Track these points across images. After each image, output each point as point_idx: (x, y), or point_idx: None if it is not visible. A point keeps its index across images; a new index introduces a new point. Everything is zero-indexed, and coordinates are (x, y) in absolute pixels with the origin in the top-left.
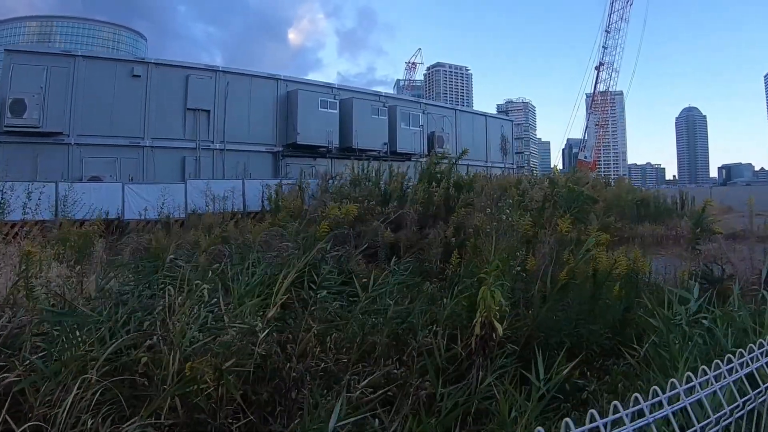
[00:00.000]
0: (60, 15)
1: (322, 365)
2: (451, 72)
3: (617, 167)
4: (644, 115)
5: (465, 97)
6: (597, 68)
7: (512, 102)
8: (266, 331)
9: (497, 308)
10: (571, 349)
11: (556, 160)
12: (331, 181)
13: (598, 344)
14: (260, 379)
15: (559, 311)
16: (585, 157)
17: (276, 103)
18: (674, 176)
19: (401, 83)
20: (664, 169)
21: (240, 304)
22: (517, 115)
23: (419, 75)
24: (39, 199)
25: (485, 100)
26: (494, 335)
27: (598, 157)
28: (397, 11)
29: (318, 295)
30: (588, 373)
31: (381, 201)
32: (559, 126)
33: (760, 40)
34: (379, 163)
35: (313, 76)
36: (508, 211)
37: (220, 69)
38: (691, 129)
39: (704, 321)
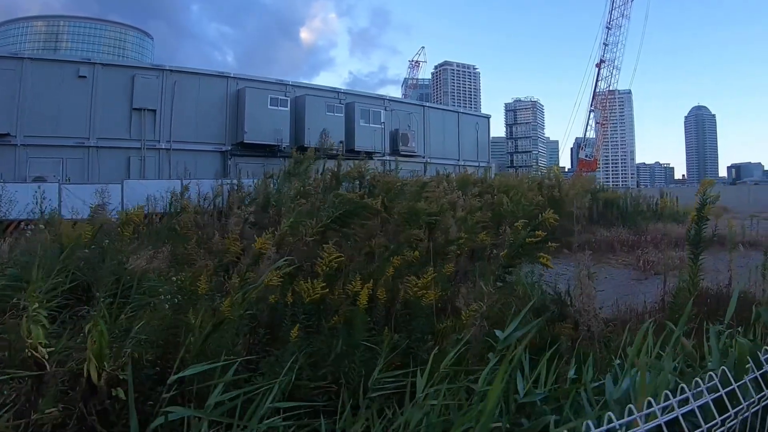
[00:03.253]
0: (67, 15)
1: None
2: (458, 71)
3: (625, 166)
4: (653, 113)
5: (473, 96)
6: (598, 65)
7: (520, 101)
8: None
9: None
10: None
11: (560, 159)
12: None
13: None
14: None
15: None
16: (586, 156)
17: (226, 101)
18: (683, 175)
19: (408, 82)
20: (673, 168)
21: None
22: (525, 115)
23: (423, 74)
24: None
25: (494, 98)
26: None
27: (606, 155)
28: (410, 10)
29: None
30: None
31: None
32: (575, 126)
33: None
34: (337, 162)
35: (325, 76)
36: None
37: (167, 68)
38: (701, 128)
39: None
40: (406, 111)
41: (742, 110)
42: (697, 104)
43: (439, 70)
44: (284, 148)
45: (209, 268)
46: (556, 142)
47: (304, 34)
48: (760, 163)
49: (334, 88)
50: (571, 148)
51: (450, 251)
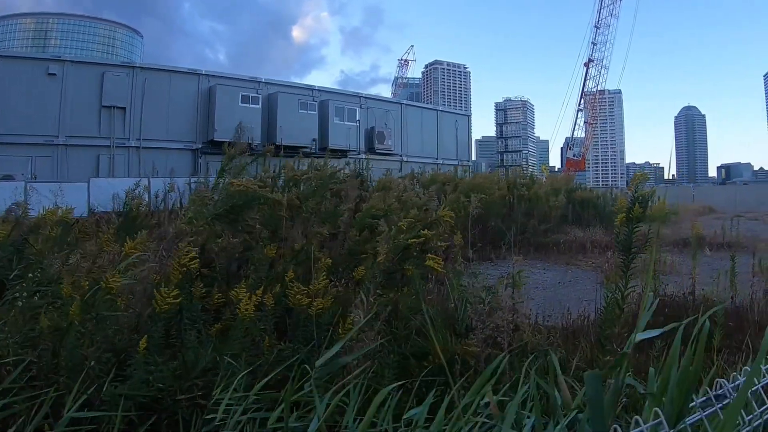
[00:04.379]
0: (56, 12)
1: None
2: (449, 70)
3: (615, 166)
4: (643, 114)
5: (463, 95)
6: (586, 65)
7: (511, 100)
8: None
9: None
10: None
11: (550, 158)
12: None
13: None
14: None
15: None
16: (574, 155)
17: (197, 98)
18: (673, 175)
19: (398, 81)
20: (662, 168)
21: None
22: (515, 114)
23: (412, 72)
24: None
25: (484, 98)
26: None
27: (596, 155)
28: (403, 9)
29: None
30: None
31: None
32: (562, 125)
33: (759, 39)
34: (310, 159)
35: (316, 74)
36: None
37: (137, 65)
38: (690, 128)
39: None
40: (383, 109)
41: (732, 111)
42: (687, 104)
43: (430, 69)
44: (256, 146)
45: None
46: (547, 141)
47: (296, 33)
48: (749, 163)
49: (309, 85)
50: (561, 148)
51: (367, 252)
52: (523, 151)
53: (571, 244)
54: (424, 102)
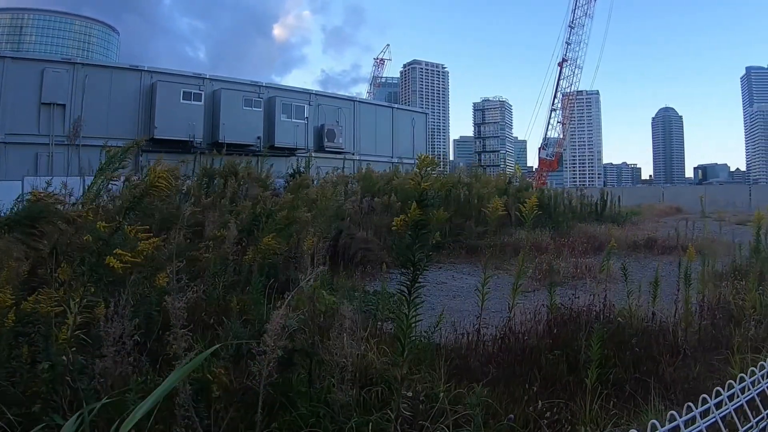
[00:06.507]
0: (32, 8)
1: None
2: (427, 70)
3: (592, 166)
4: (621, 114)
5: (441, 96)
6: (560, 64)
7: (489, 100)
8: None
9: None
10: None
11: (527, 158)
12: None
13: None
14: None
15: None
16: (547, 155)
17: (139, 95)
18: (650, 176)
19: (375, 81)
20: (640, 168)
21: None
22: (493, 114)
23: (389, 71)
24: None
25: (463, 98)
26: None
27: (573, 156)
28: (385, 9)
29: None
30: None
31: None
32: (536, 125)
33: (736, 42)
34: (256, 158)
35: (297, 74)
36: None
37: (78, 62)
38: (668, 129)
39: None
40: (335, 106)
41: (709, 112)
42: (664, 106)
43: (408, 69)
44: (198, 143)
45: None
46: (525, 141)
47: (278, 31)
48: (726, 164)
49: (255, 81)
50: (538, 148)
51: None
52: (501, 151)
53: (507, 247)
54: (403, 102)
